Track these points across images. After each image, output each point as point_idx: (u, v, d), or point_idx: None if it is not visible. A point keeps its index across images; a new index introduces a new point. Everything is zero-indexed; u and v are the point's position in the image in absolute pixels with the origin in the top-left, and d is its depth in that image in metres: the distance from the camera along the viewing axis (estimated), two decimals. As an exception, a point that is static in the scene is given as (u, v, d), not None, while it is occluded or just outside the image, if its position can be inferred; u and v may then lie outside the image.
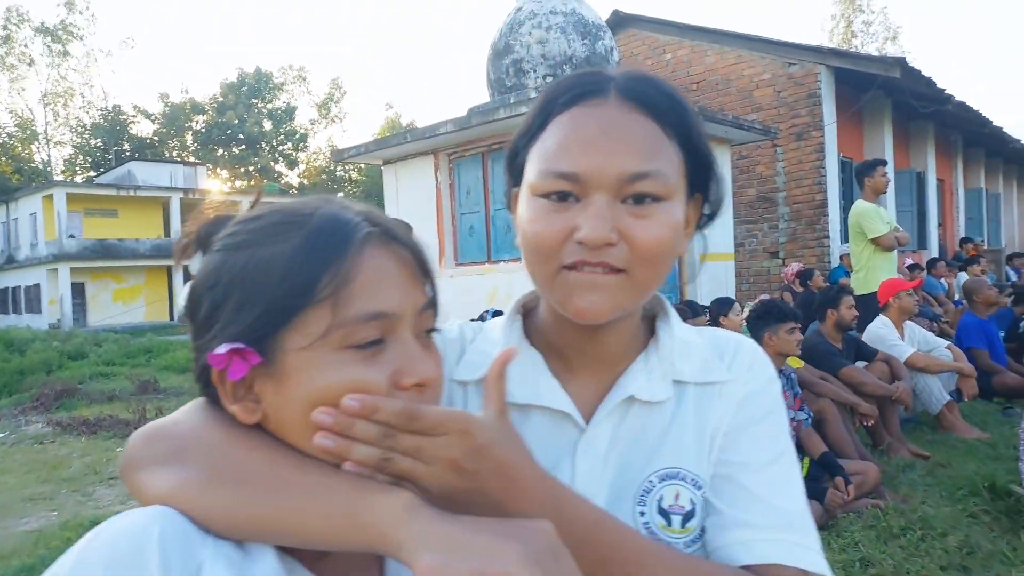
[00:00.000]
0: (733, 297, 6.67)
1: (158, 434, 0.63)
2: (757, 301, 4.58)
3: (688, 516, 0.73)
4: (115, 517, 0.56)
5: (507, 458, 0.58)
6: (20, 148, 39.22)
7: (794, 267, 9.14)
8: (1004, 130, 14.23)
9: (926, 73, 10.45)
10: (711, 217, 0.81)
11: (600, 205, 0.67)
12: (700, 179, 0.76)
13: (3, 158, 37.81)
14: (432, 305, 0.66)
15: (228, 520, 0.57)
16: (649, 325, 0.83)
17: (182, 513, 0.56)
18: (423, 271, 0.65)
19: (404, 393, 0.59)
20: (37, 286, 26.51)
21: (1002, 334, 6.25)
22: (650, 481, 0.74)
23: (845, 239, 8.69)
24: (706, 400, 0.77)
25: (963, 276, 8.99)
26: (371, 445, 0.54)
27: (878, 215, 5.74)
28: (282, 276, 0.58)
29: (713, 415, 0.76)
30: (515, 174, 0.78)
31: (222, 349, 0.57)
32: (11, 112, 38.81)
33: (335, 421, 0.54)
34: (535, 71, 7.58)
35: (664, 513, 0.73)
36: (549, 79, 7.44)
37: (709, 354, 0.79)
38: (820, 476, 3.51)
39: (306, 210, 0.62)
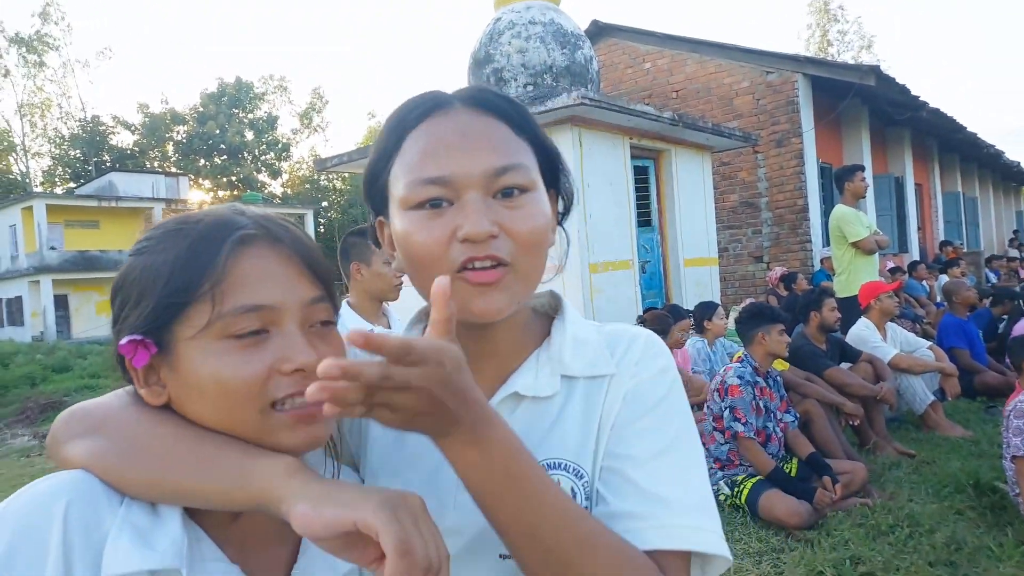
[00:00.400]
0: (717, 301, 6.75)
1: (79, 413, 0.71)
2: (745, 304, 4.65)
3: None
4: (36, 481, 0.63)
5: (464, 383, 0.61)
6: (-3, 160, 38.69)
7: (778, 271, 9.25)
8: (978, 135, 14.49)
9: (901, 80, 10.65)
10: (566, 211, 0.85)
11: (476, 201, 0.70)
12: (552, 175, 0.81)
13: (-21, 170, 37.26)
14: (324, 299, 0.72)
15: (137, 484, 0.64)
16: (548, 324, 0.85)
17: (98, 478, 0.64)
18: (312, 268, 0.71)
19: (287, 379, 0.66)
20: (19, 298, 26.07)
21: (984, 336, 6.38)
22: None
23: (826, 243, 8.81)
24: (594, 393, 0.79)
25: (944, 278, 9.14)
26: (369, 385, 0.55)
27: (858, 219, 5.83)
28: (169, 276, 0.66)
29: (600, 407, 0.78)
30: (376, 201, 0.80)
31: (124, 340, 0.66)
32: (-14, 123, 38.29)
33: (344, 371, 0.53)
34: (515, 80, 7.63)
35: None
36: (530, 88, 7.49)
37: (602, 349, 0.81)
38: (808, 476, 3.56)
39: (197, 218, 0.70)
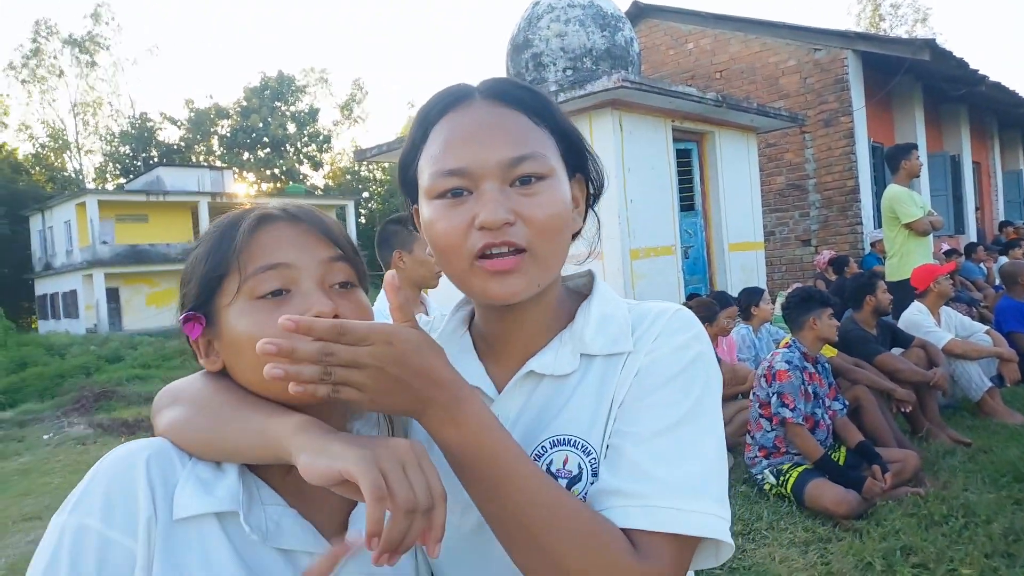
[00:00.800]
0: (763, 286, 6.60)
1: (169, 389, 0.83)
2: (792, 289, 4.53)
3: (574, 480, 0.76)
4: (123, 444, 0.74)
5: (425, 363, 0.66)
6: (53, 158, 40.13)
7: (826, 255, 8.99)
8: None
9: (958, 54, 10.20)
10: (597, 194, 0.88)
11: (492, 191, 0.74)
12: (576, 160, 0.84)
13: (37, 168, 38.72)
14: (342, 260, 0.79)
15: (196, 444, 0.74)
16: (579, 304, 0.87)
17: (172, 442, 0.75)
18: (328, 237, 0.80)
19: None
20: (74, 292, 27.09)
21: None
22: (543, 446, 0.79)
23: (877, 225, 8.50)
24: (610, 371, 0.80)
25: (1004, 260, 8.77)
26: (311, 362, 0.62)
27: (911, 199, 5.62)
28: (207, 259, 0.78)
29: (614, 385, 0.79)
30: (410, 191, 0.85)
31: (180, 317, 0.79)
32: (43, 123, 39.69)
33: (279, 348, 0.61)
34: (555, 64, 7.54)
35: (552, 476, 0.75)
36: (569, 72, 7.39)
37: (625, 327, 0.82)
38: (857, 464, 3.46)
39: (232, 212, 0.82)
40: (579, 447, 0.77)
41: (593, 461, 0.76)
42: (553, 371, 0.81)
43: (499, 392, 0.83)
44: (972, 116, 13.52)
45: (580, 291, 0.89)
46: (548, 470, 0.76)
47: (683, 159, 7.87)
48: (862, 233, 10.39)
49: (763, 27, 11.25)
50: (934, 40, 10.13)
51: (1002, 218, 14.34)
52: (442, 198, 0.76)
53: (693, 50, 12.11)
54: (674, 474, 0.71)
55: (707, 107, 7.44)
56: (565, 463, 0.77)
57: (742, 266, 8.28)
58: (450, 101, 0.79)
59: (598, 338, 0.81)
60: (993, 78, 11.25)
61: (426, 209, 0.78)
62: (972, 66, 10.52)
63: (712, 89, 9.17)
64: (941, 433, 4.20)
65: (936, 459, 3.88)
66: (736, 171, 8.39)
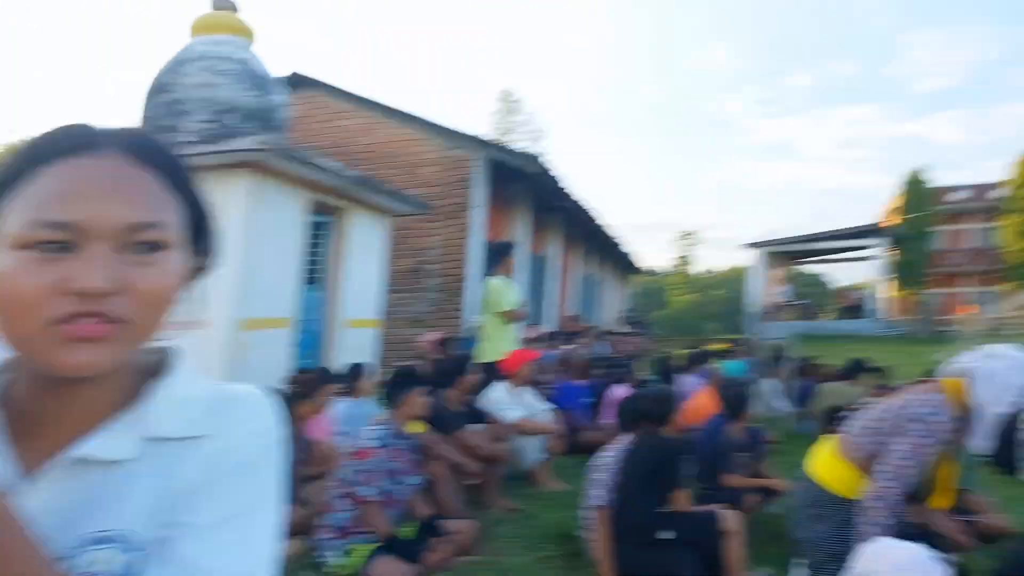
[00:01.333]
0: (372, 362, 6.99)
1: None
2: (396, 367, 4.92)
3: None
4: None
5: None
6: None
7: (432, 336, 9.85)
8: (604, 227, 17.45)
9: (565, 171, 12.27)
10: (208, 269, 0.83)
11: (102, 254, 0.66)
12: (198, 234, 0.79)
13: None
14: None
15: None
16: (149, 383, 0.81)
17: None
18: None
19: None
20: None
21: (593, 400, 7.58)
22: (81, 543, 0.70)
23: (479, 311, 9.58)
24: (180, 457, 0.73)
25: (566, 348, 10.64)
26: None
27: (509, 291, 6.61)
28: None
29: (182, 471, 0.73)
30: None
31: None
32: None
33: None
34: (195, 114, 7.18)
35: None
36: (211, 125, 7.09)
37: (205, 409, 0.76)
38: (424, 538, 3.75)
39: None
40: (127, 543, 0.69)
41: (144, 558, 0.69)
42: (105, 455, 0.70)
43: (29, 479, 0.71)
44: (566, 225, 16.42)
45: (152, 367, 0.80)
46: (87, 571, 0.67)
47: (317, 231, 8.00)
48: (465, 318, 11.63)
49: (409, 119, 12.20)
50: (537, 156, 12.08)
51: (572, 312, 17.51)
52: (30, 250, 0.65)
53: (344, 127, 12.54)
54: (224, 567, 0.69)
55: (346, 183, 7.72)
56: (105, 562, 0.68)
57: (356, 344, 8.48)
58: (76, 144, 0.70)
59: (172, 421, 0.74)
60: (583, 195, 13.89)
61: (4, 258, 0.66)
62: (562, 184, 12.82)
63: (357, 168, 9.56)
64: (500, 503, 4.89)
65: (493, 526, 4.42)
66: (366, 250, 8.76)
